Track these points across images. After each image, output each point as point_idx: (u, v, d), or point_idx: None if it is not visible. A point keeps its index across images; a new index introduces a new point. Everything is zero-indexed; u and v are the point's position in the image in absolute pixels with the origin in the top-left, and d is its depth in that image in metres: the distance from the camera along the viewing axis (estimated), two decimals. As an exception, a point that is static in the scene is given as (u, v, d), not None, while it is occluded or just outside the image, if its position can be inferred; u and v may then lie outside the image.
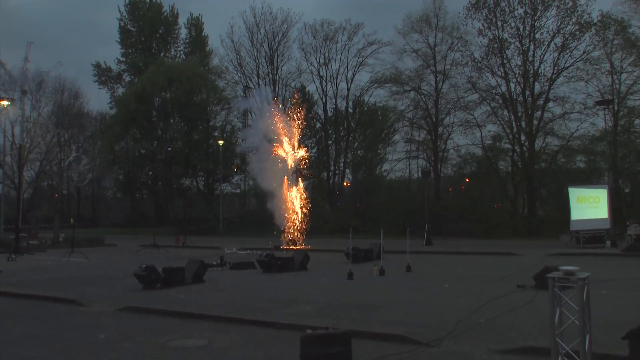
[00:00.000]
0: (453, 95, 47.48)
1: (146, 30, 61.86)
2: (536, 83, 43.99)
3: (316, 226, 34.98)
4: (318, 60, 53.70)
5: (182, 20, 64.86)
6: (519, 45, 43.73)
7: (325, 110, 54.99)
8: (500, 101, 44.97)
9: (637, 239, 25.61)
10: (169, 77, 52.92)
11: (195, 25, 64.10)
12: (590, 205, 29.38)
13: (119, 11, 62.72)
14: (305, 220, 34.03)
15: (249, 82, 54.28)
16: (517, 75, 44.32)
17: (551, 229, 35.29)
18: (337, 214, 48.09)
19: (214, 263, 21.52)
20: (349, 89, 53.83)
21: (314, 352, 6.88)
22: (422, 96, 48.76)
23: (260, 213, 34.84)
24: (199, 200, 59.67)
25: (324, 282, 16.92)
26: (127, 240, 39.20)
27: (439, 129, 48.70)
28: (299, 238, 33.44)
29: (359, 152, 56.65)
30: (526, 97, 44.13)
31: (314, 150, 54.27)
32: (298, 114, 34.49)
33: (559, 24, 41.91)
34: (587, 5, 40.79)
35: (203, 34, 64.55)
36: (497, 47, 43.80)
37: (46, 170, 45.98)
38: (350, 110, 55.47)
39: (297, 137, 34.51)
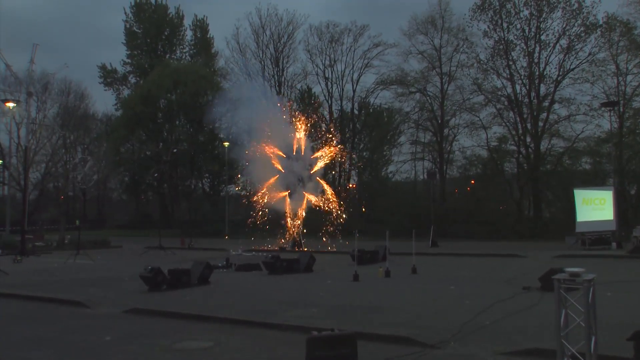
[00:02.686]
0: (458, 96, 47.50)
1: (151, 32, 62.10)
2: (542, 85, 43.89)
3: (320, 228, 34.84)
4: (323, 61, 53.74)
5: (187, 22, 65.13)
6: (524, 47, 43.61)
7: (330, 112, 54.95)
8: (506, 103, 44.84)
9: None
10: (174, 79, 53.11)
11: (201, 26, 64.26)
12: (596, 207, 29.24)
13: (125, 13, 63.18)
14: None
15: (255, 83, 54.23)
16: (522, 77, 44.20)
17: (557, 231, 35.16)
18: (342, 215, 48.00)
19: (220, 265, 21.57)
20: (354, 91, 53.81)
21: (319, 354, 6.88)
22: (428, 98, 48.77)
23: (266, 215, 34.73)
24: (204, 202, 59.75)
25: (330, 283, 16.92)
26: (132, 242, 39.26)
27: (445, 130, 48.64)
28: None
29: (364, 153, 56.60)
30: (532, 98, 44.02)
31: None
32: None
33: (564, 25, 41.80)
34: (592, 7, 40.67)
35: (208, 36, 64.72)
36: (503, 49, 43.70)
37: (52, 172, 46.01)
38: (355, 111, 55.40)
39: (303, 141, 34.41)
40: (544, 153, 43.94)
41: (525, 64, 43.95)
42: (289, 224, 33.75)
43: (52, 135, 44.15)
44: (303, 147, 34.12)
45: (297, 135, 34.15)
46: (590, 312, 5.78)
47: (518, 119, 44.43)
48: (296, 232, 33.64)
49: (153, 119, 57.85)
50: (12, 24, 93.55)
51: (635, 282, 15.97)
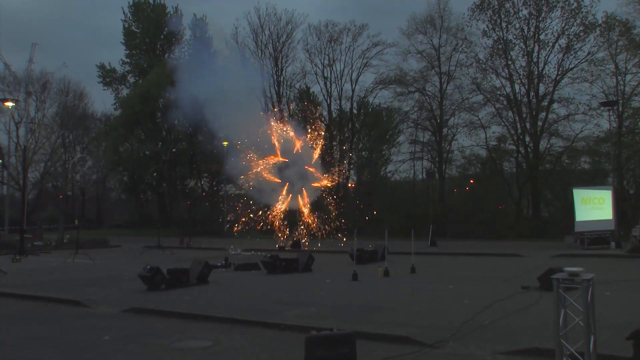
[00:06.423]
0: (457, 96, 47.47)
1: (150, 31, 61.97)
2: (541, 84, 43.92)
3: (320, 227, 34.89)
4: (322, 61, 53.51)
5: (186, 21, 64.99)
6: (523, 47, 43.64)
7: (329, 112, 54.79)
8: (505, 102, 44.84)
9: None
10: (173, 78, 52.97)
11: (200, 26, 64.08)
12: (594, 206, 29.28)
13: (123, 12, 62.92)
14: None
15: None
16: (521, 77, 44.23)
17: (556, 231, 35.18)
18: (341, 215, 47.98)
19: (219, 264, 21.55)
20: (353, 90, 53.54)
21: (318, 354, 6.88)
22: (427, 97, 48.71)
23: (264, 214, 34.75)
24: (203, 201, 59.68)
25: (329, 283, 16.91)
26: (131, 242, 39.22)
27: (444, 130, 48.58)
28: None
29: (363, 153, 56.50)
30: (531, 98, 44.05)
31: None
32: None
33: (563, 25, 41.86)
34: (591, 7, 40.72)
35: (207, 35, 64.59)
36: (502, 48, 43.73)
37: (51, 172, 46.06)
38: (354, 111, 55.31)
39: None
40: (543, 152, 43.98)
41: (524, 64, 44.04)
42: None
43: (51, 135, 44.15)
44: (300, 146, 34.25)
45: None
46: (589, 312, 5.78)
47: (517, 118, 44.43)
48: (296, 231, 33.69)
49: (152, 118, 57.77)
50: (12, 24, 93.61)
51: (634, 281, 15.97)
